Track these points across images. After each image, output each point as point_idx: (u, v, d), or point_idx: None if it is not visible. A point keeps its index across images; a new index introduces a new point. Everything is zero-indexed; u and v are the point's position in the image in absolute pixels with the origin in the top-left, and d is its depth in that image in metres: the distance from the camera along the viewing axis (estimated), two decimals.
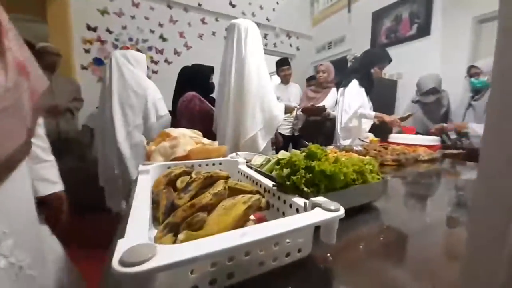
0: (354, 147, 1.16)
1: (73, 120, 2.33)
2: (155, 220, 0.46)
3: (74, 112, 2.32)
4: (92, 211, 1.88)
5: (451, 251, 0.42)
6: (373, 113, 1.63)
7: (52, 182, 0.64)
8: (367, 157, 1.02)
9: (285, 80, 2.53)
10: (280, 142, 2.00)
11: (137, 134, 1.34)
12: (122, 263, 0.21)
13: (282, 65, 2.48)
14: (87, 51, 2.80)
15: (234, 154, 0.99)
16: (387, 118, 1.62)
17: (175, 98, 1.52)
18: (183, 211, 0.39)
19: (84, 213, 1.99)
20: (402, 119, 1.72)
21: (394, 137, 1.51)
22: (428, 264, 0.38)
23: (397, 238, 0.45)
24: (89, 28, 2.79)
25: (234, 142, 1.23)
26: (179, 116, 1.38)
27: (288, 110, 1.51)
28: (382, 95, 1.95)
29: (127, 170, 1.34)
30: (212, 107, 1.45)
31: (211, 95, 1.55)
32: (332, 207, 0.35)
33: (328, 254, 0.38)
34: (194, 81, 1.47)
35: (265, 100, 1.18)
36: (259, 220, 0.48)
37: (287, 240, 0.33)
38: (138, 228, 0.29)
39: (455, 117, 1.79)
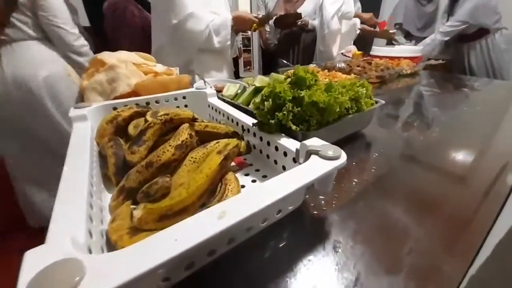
0: (337, 64, 1.03)
1: None
2: (106, 179, 0.36)
3: None
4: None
5: (442, 174, 0.41)
6: (352, 11, 1.43)
7: None
8: (352, 75, 0.93)
9: None
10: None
11: None
12: None
13: None
14: None
15: (201, 82, 0.83)
16: (364, 16, 1.49)
17: (92, 7, 1.04)
18: (138, 173, 0.30)
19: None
20: (385, 34, 1.56)
21: (377, 50, 1.38)
22: (422, 195, 0.36)
23: (389, 168, 0.42)
24: None
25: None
26: (112, 35, 0.98)
27: (263, 20, 1.22)
28: None
29: None
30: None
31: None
32: (331, 153, 0.27)
33: (321, 197, 0.35)
34: None
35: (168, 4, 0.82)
36: (240, 165, 0.41)
37: None
38: (68, 223, 0.20)
39: (441, 16, 1.66)
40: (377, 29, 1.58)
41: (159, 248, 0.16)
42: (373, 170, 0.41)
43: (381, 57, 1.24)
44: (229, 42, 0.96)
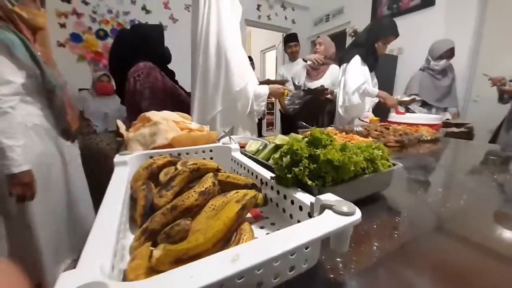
0: (355, 128, 1.09)
1: None
2: (131, 221, 0.39)
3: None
4: None
5: (475, 247, 0.37)
6: (376, 91, 1.54)
7: None
8: (370, 139, 0.96)
9: (292, 57, 2.38)
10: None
11: None
12: None
13: (289, 41, 2.31)
14: (62, 25, 2.53)
15: (227, 138, 0.91)
16: (389, 100, 1.53)
17: (119, 74, 1.17)
18: (163, 215, 0.32)
19: None
20: (405, 102, 1.64)
21: (394, 117, 1.44)
22: (450, 269, 0.33)
23: (413, 235, 0.40)
24: None
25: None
26: (133, 97, 1.06)
27: (273, 84, 1.39)
28: (381, 72, 1.85)
29: None
30: (175, 84, 1.21)
31: (168, 67, 1.25)
32: (345, 209, 0.28)
33: (338, 259, 0.33)
34: (144, 48, 1.09)
35: (228, 74, 0.97)
36: (256, 218, 0.42)
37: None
38: (99, 253, 0.22)
39: (459, 89, 1.74)
40: (394, 112, 1.52)
41: (176, 283, 0.17)
42: (395, 235, 0.39)
43: (398, 123, 1.29)
44: (263, 108, 1.12)
